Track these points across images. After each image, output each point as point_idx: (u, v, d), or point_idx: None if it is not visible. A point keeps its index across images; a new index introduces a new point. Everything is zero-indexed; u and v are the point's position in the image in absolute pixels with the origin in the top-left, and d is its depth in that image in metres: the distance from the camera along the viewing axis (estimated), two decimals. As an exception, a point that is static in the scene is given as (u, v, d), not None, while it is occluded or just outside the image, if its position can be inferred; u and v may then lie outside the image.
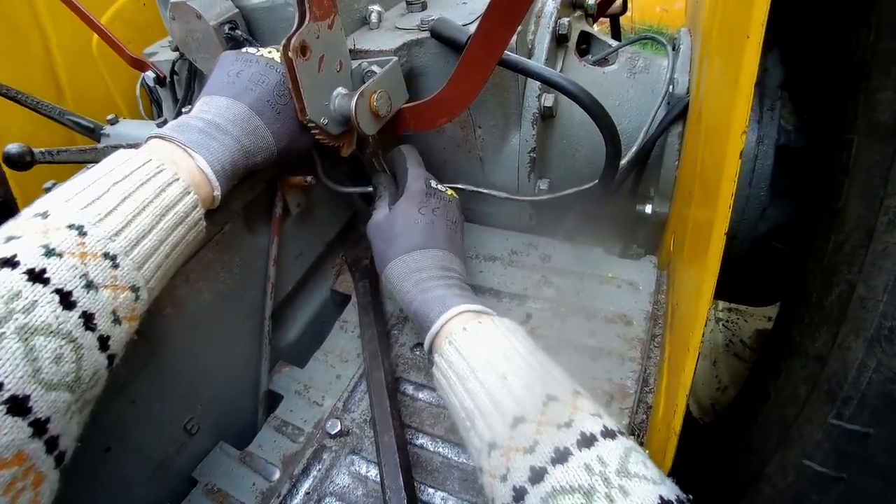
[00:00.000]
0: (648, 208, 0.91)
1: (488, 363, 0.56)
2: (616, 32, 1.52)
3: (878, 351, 0.57)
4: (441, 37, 0.79)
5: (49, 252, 0.46)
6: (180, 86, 1.17)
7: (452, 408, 0.58)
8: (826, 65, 0.82)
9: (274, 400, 0.85)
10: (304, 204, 0.89)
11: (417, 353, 0.84)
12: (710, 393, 1.49)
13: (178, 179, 0.58)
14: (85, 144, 1.03)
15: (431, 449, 0.73)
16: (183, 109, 1.09)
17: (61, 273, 0.46)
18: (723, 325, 1.63)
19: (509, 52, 0.72)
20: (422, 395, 0.79)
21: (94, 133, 1.01)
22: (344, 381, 0.82)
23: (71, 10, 1.29)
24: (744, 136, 0.46)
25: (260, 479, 0.74)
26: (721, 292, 1.29)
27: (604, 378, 0.76)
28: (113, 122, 1.01)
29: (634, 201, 0.94)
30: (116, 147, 0.79)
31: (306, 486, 0.72)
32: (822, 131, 0.84)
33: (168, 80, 1.19)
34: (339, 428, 0.75)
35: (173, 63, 1.15)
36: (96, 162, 0.80)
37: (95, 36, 1.63)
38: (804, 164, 0.88)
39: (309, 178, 0.84)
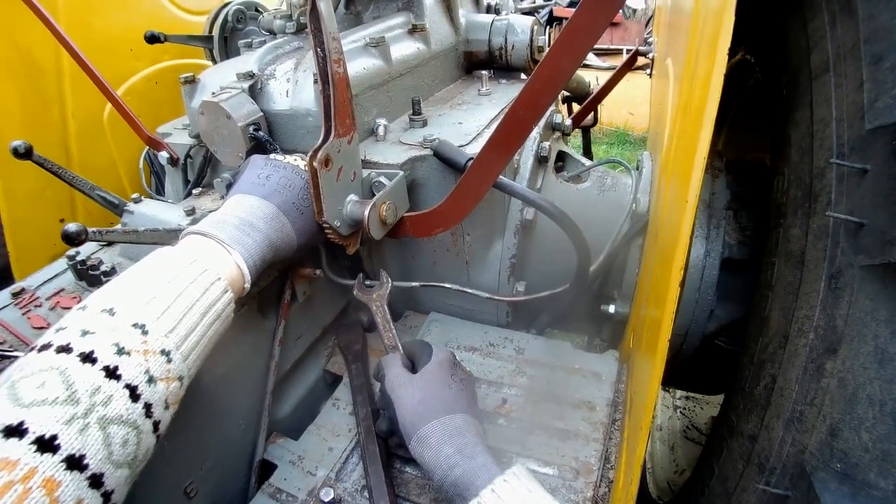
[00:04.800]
0: (612, 308, 1.04)
1: None
2: (587, 143, 1.70)
3: (792, 429, 0.70)
4: (442, 157, 0.92)
5: (120, 350, 0.56)
6: (192, 168, 1.28)
7: None
8: (764, 191, 0.98)
9: (267, 469, 0.92)
10: (308, 292, 1.00)
11: (404, 430, 0.92)
12: (668, 475, 1.58)
13: (219, 279, 0.68)
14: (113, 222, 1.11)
15: (418, 516, 0.81)
16: (193, 191, 1.19)
17: (130, 370, 0.56)
18: (680, 412, 1.74)
19: (500, 176, 0.86)
20: (408, 468, 0.86)
21: (117, 209, 1.09)
22: (336, 454, 0.90)
23: (95, 84, 1.38)
24: (681, 272, 0.59)
25: (255, 543, 0.80)
26: (677, 382, 1.42)
27: (571, 456, 0.86)
28: (137, 201, 1.10)
29: (600, 302, 1.07)
30: (154, 230, 0.89)
31: (300, 551, 0.78)
32: (760, 246, 0.99)
33: (182, 162, 1.29)
34: (332, 496, 0.82)
35: (189, 148, 1.25)
36: (137, 243, 0.90)
37: (108, 108, 1.75)
38: (746, 273, 1.02)
39: (318, 271, 0.94)
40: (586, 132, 1.71)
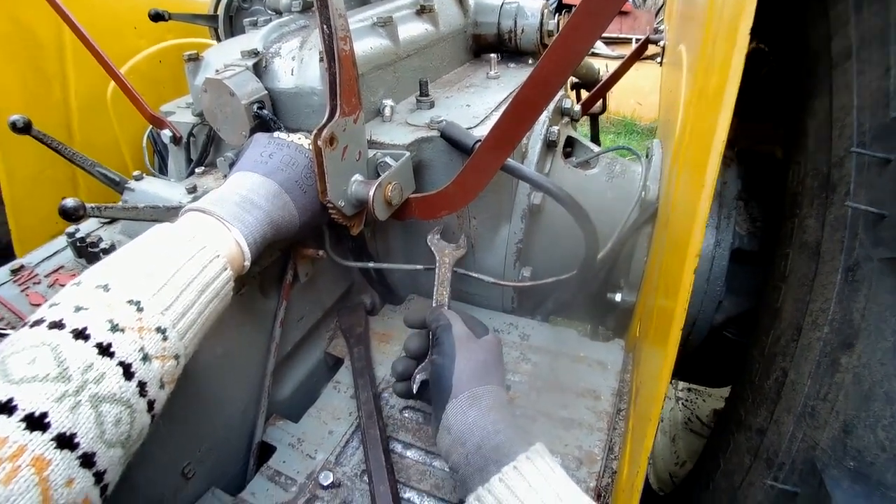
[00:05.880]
0: (619, 297, 1.02)
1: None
2: (595, 131, 1.68)
3: (804, 425, 0.69)
4: (449, 139, 0.90)
5: (114, 327, 0.54)
6: (195, 147, 1.26)
7: None
8: (776, 182, 0.96)
9: (266, 451, 0.91)
10: (311, 273, 0.98)
11: (406, 414, 0.91)
12: (668, 467, 1.57)
13: (218, 256, 0.66)
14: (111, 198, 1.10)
15: (418, 502, 0.79)
16: (196, 170, 1.17)
17: (124, 347, 0.54)
18: (682, 403, 1.73)
19: (509, 159, 0.84)
20: (409, 453, 0.86)
21: (118, 186, 1.08)
22: (336, 437, 0.89)
23: (98, 62, 1.36)
24: (697, 259, 0.57)
25: (252, 526, 0.79)
26: (681, 373, 1.40)
27: (574, 445, 0.85)
28: (138, 179, 1.08)
29: (606, 290, 1.05)
30: (154, 207, 0.88)
31: (298, 534, 0.77)
32: (771, 238, 0.97)
33: (185, 141, 1.27)
34: (331, 480, 0.81)
35: (193, 126, 1.24)
36: (135, 220, 0.89)
37: (111, 87, 1.72)
38: (755, 264, 1.00)
39: (321, 252, 0.93)
40: (594, 120, 1.69)
